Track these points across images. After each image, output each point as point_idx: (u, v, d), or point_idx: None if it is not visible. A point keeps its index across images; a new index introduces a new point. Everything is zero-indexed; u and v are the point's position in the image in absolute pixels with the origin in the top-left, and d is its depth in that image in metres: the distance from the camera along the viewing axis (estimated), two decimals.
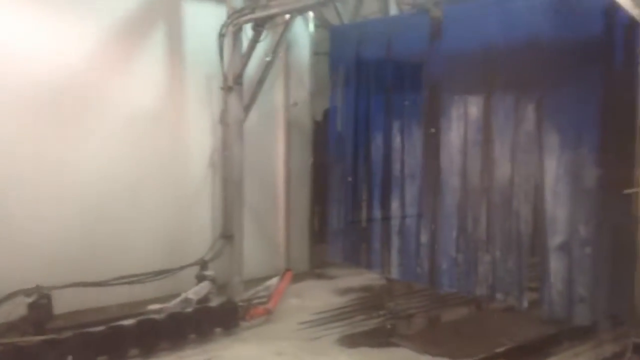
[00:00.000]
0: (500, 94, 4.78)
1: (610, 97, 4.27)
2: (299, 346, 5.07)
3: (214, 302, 5.61)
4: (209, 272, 6.00)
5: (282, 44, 6.75)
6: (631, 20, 3.87)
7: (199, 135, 6.65)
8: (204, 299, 5.65)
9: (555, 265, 4.40)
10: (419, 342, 5.13)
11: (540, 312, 4.54)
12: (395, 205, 5.46)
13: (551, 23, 4.43)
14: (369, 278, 6.79)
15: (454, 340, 5.11)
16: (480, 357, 4.51)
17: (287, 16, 6.43)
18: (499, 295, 4.79)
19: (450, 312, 5.83)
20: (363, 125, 5.85)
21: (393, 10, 7.04)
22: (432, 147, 5.20)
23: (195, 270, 6.02)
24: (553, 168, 4.47)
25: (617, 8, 3.87)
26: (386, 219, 5.53)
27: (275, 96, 7.25)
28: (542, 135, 4.54)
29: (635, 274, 3.41)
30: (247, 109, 6.50)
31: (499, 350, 4.62)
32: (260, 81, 6.60)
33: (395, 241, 5.45)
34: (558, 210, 4.42)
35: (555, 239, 4.42)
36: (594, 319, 4.24)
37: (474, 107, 4.93)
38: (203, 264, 6.07)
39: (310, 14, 7.28)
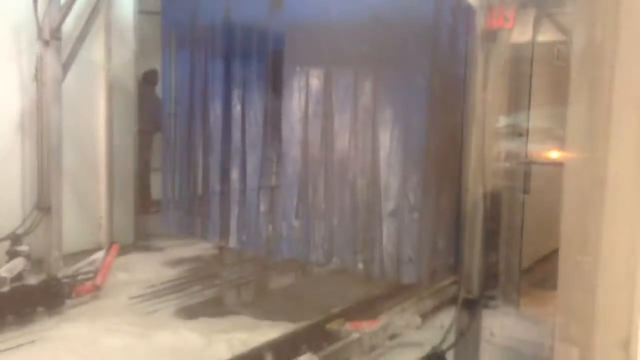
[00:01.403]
0: (341, 68, 4.97)
1: (436, 76, 4.70)
2: (134, 321, 4.84)
3: (32, 280, 5.07)
4: (22, 247, 5.38)
5: None
6: (457, 4, 4.31)
7: (4, 94, 5.86)
8: (19, 277, 5.08)
9: (387, 229, 4.78)
10: (258, 309, 5.23)
11: (372, 272, 4.90)
12: (235, 174, 5.40)
13: (388, 1, 4.71)
14: (199, 248, 6.70)
15: (291, 305, 5.31)
16: (319, 319, 4.73)
17: None
18: (335, 260, 5.06)
19: (283, 278, 6.01)
20: (199, 92, 5.65)
21: None
22: (274, 117, 5.24)
23: (5, 245, 5.36)
24: (387, 141, 4.81)
25: None
26: (225, 188, 5.46)
27: (95, 55, 6.66)
28: (377, 110, 4.85)
29: (464, 236, 3.85)
30: (65, 67, 5.89)
31: (335, 310, 4.89)
32: (81, 37, 6.04)
33: (234, 210, 5.41)
34: (391, 179, 4.79)
35: (388, 206, 4.79)
36: (419, 277, 4.70)
37: (315, 79, 5.06)
38: (15, 239, 5.42)
39: None
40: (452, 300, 4.22)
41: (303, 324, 4.55)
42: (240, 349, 4.20)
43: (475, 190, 3.78)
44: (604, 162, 1.54)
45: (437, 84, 4.67)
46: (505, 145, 4.65)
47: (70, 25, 5.97)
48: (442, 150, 4.75)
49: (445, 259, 4.73)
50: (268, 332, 4.55)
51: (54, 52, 5.68)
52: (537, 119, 4.66)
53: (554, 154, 4.87)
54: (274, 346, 4.15)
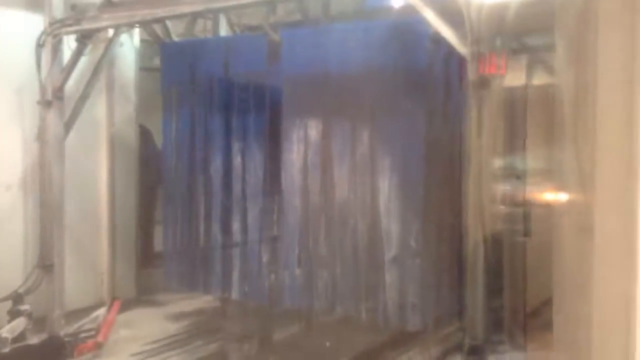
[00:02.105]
0: (338, 119, 5.07)
1: (431, 125, 4.79)
2: None
3: (34, 339, 5.03)
4: (24, 307, 5.35)
5: (106, 58, 6.37)
6: (450, 55, 4.43)
7: (7, 154, 5.96)
8: (21, 337, 5.03)
9: (390, 276, 4.77)
10: None
11: (376, 320, 4.86)
12: (236, 226, 5.44)
13: (383, 53, 4.84)
14: (201, 301, 6.64)
15: (295, 357, 5.23)
16: None
17: (112, 30, 6.12)
18: (338, 308, 5.03)
19: (287, 329, 5.94)
20: (200, 147, 5.75)
21: (224, 31, 7.09)
22: (273, 168, 5.31)
23: (6, 305, 5.34)
24: (385, 189, 4.86)
25: (440, 42, 4.39)
26: (227, 240, 5.49)
27: (97, 113, 6.79)
28: (375, 159, 4.92)
29: (467, 282, 3.84)
30: (68, 126, 6.00)
31: None
32: (83, 97, 6.14)
33: (236, 261, 5.42)
34: (391, 226, 4.81)
35: (390, 253, 4.80)
36: (424, 323, 4.67)
37: (313, 130, 5.15)
38: (17, 298, 5.40)
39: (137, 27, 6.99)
40: (459, 347, 4.18)
41: None
42: None
43: (474, 235, 3.80)
44: (590, 208, 1.57)
45: (433, 132, 4.76)
46: (504, 189, 4.70)
47: (72, 84, 6.11)
48: (442, 195, 4.79)
49: (450, 305, 4.71)
50: None
51: (56, 112, 5.79)
52: (535, 160, 4.72)
53: (551, 196, 4.91)
54: None
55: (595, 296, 1.58)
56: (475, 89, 3.74)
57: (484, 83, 3.73)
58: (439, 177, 4.76)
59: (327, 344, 5.31)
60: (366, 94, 4.92)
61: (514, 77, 4.60)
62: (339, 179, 4.99)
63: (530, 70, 5.17)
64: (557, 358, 2.03)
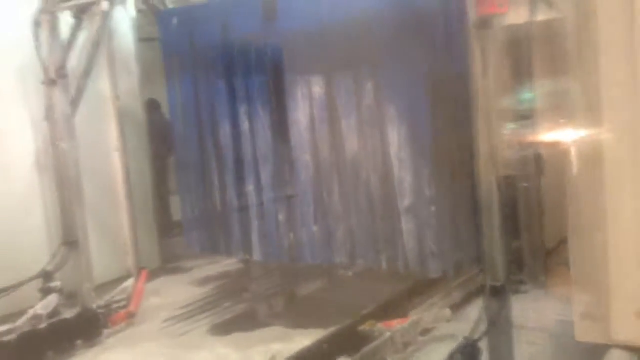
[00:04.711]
0: (341, 72, 5.01)
1: (435, 69, 4.72)
2: (171, 344, 4.93)
3: (68, 314, 5.19)
4: (55, 284, 5.50)
5: (104, 32, 6.31)
6: None
7: (17, 135, 6.03)
8: (55, 312, 5.20)
9: (407, 225, 4.80)
10: (289, 318, 5.29)
11: (397, 270, 4.93)
12: (250, 188, 5.48)
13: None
14: (225, 265, 6.79)
15: (322, 311, 5.35)
16: (350, 322, 4.76)
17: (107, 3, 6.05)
18: (359, 260, 5.10)
19: (311, 285, 6.05)
20: (207, 113, 5.74)
21: None
22: (281, 127, 5.30)
23: (37, 284, 5.49)
24: (395, 138, 4.84)
25: None
26: (242, 202, 5.54)
27: (102, 88, 6.79)
28: (381, 109, 4.88)
29: (483, 224, 3.85)
30: (74, 103, 6.00)
31: (365, 312, 4.92)
32: (86, 72, 6.11)
33: (254, 223, 5.48)
34: (404, 175, 4.81)
35: (404, 202, 4.82)
36: (444, 269, 4.72)
37: (317, 86, 5.11)
38: (46, 276, 5.54)
39: None
40: (481, 290, 4.23)
41: (335, 329, 4.59)
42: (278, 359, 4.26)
43: (488, 178, 3.78)
44: (598, 138, 1.56)
45: (437, 76, 4.69)
46: (514, 129, 4.66)
47: (74, 61, 6.09)
48: (452, 141, 4.76)
49: (469, 250, 4.74)
50: (301, 340, 4.61)
51: (62, 90, 5.78)
52: (543, 98, 4.65)
53: (561, 132, 4.86)
54: (309, 354, 4.20)
55: (609, 226, 1.59)
56: (477, 29, 3.66)
57: (485, 23, 3.64)
58: (448, 122, 4.72)
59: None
60: (366, 42, 4.83)
61: (518, 15, 4.48)
62: (347, 133, 4.97)
63: (534, 6, 5.02)
64: (575, 284, 2.05)
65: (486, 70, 3.70)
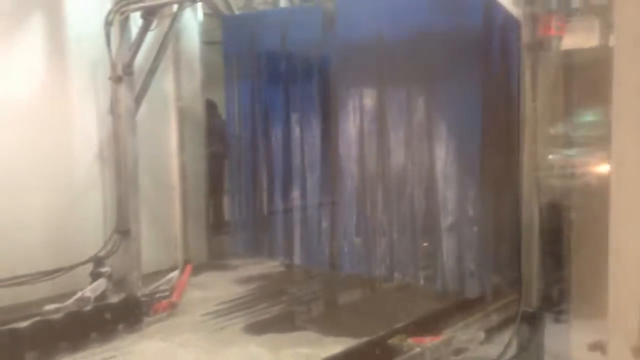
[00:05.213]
0: (393, 85, 5.05)
1: (489, 89, 4.69)
2: (206, 338, 5.08)
3: (113, 299, 5.44)
4: (104, 269, 5.77)
5: (171, 33, 6.61)
6: (507, 16, 4.30)
7: (84, 127, 6.37)
8: (102, 296, 5.46)
9: (447, 243, 4.78)
10: (323, 325, 5.34)
11: (434, 287, 4.91)
12: (296, 193, 5.59)
13: (436, 16, 4.75)
14: (267, 266, 6.91)
15: (355, 320, 5.38)
16: (381, 334, 4.76)
17: (176, 5, 6.33)
18: (397, 275, 5.11)
19: (348, 294, 6.09)
20: (261, 117, 5.90)
21: (283, 2, 7.17)
22: (331, 137, 5.39)
23: (88, 267, 5.78)
24: (442, 155, 4.83)
25: (495, 4, 4.27)
26: (287, 207, 5.65)
27: (165, 86, 7.09)
28: (431, 125, 4.88)
29: (522, 249, 3.80)
30: (138, 100, 6.31)
31: (398, 326, 4.91)
32: (152, 71, 6.42)
33: (297, 228, 5.58)
34: (448, 193, 4.80)
35: (447, 220, 4.80)
36: (482, 291, 4.66)
37: (368, 99, 5.17)
38: (98, 261, 5.83)
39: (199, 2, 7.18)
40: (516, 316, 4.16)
41: (365, 339, 4.61)
42: None
43: (530, 202, 3.74)
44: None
45: (490, 97, 4.66)
46: (566, 156, 4.56)
47: (141, 59, 6.40)
48: (500, 162, 4.72)
49: (509, 274, 4.67)
50: (331, 347, 4.65)
51: (127, 87, 6.09)
52: (597, 126, 4.54)
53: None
54: None
55: (610, 261, 1.57)
56: (529, 51, 3.63)
57: (538, 45, 3.61)
58: (496, 143, 4.68)
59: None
60: (421, 58, 4.86)
61: (583, 38, 4.39)
62: (395, 146, 5.00)
63: (605, 30, 4.91)
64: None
65: (536, 93, 3.66)
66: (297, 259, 5.65)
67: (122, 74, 6.01)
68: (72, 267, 5.71)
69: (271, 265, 6.89)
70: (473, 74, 4.66)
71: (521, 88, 3.81)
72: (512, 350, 3.72)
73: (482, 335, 4.62)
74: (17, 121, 5.76)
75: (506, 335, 4.57)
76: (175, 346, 4.88)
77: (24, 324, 4.59)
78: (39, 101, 6.00)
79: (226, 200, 7.55)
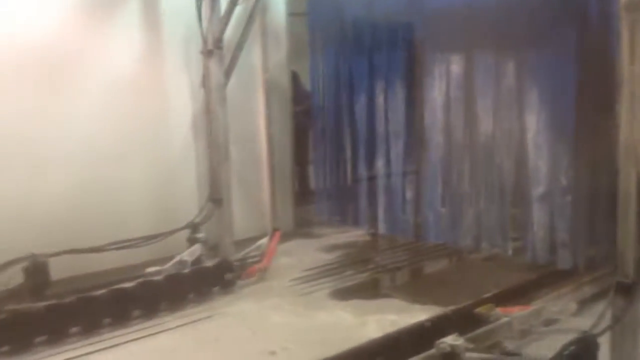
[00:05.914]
0: (482, 51, 4.94)
1: (586, 53, 4.48)
2: (295, 301, 5.27)
3: (208, 263, 5.75)
4: (200, 235, 6.09)
5: (258, 6, 6.73)
6: None
7: (179, 100, 6.67)
8: (198, 261, 5.78)
9: (538, 213, 4.67)
10: (408, 293, 5.39)
11: (523, 258, 4.82)
12: (380, 162, 5.64)
13: None
14: (353, 235, 7.01)
15: (441, 290, 5.39)
16: (467, 303, 4.75)
17: None
18: (484, 245, 5.06)
19: (434, 263, 6.10)
20: (346, 86, 5.96)
21: None
22: (416, 105, 5.36)
23: (185, 233, 6.12)
24: (534, 122, 4.70)
25: None
26: (372, 176, 5.71)
27: (253, 59, 7.26)
28: (522, 91, 4.74)
29: (618, 218, 3.65)
30: (227, 73, 6.51)
31: (486, 295, 4.87)
32: (240, 44, 6.60)
33: (381, 197, 5.64)
34: (539, 162, 4.67)
35: (538, 189, 4.68)
36: (574, 262, 4.53)
37: (455, 65, 5.09)
38: (194, 227, 6.16)
39: None
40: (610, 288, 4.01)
41: (452, 307, 4.62)
42: (390, 328, 4.40)
43: (627, 169, 3.56)
44: None
45: (586, 61, 4.45)
46: None
47: (229, 33, 6.58)
48: (595, 129, 4.52)
49: (605, 245, 4.50)
50: (417, 314, 4.70)
51: (217, 61, 6.29)
52: None
53: None
54: (423, 327, 4.29)
55: None
56: (627, 12, 3.42)
57: (636, 5, 3.39)
58: (593, 109, 4.48)
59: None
60: (511, 21, 4.72)
61: None
62: (483, 114, 4.91)
63: None
64: None
65: (634, 56, 3.45)
66: (381, 228, 5.72)
67: (212, 48, 6.22)
68: (172, 232, 6.07)
69: (356, 234, 6.99)
70: (568, 37, 4.47)
71: (619, 50, 3.61)
72: (605, 322, 3.60)
73: (574, 306, 4.50)
74: (121, 93, 6.13)
75: (600, 307, 4.45)
76: (267, 309, 5.11)
77: (130, 284, 4.96)
78: (138, 76, 6.34)
79: (311, 170, 7.72)
